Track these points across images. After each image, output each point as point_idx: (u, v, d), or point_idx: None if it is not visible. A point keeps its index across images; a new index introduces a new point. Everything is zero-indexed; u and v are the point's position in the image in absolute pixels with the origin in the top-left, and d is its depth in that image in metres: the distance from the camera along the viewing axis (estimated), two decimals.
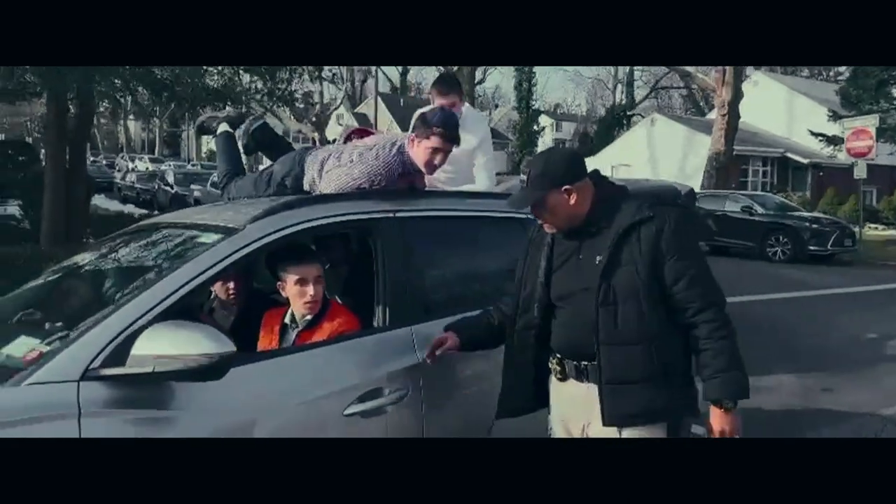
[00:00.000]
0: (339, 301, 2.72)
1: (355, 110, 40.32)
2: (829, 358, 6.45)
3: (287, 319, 2.53)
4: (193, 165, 33.07)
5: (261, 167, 3.20)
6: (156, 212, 17.49)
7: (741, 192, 18.44)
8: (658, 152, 27.40)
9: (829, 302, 9.89)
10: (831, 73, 38.57)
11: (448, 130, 2.66)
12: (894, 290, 10.88)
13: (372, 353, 2.37)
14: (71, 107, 9.52)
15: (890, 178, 26.65)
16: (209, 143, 50.84)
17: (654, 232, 2.04)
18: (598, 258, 2.07)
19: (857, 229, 15.79)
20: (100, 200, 18.18)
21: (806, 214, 16.49)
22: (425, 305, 2.54)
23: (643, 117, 34.44)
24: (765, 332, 7.26)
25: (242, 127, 3.13)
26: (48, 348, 1.92)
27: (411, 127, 2.73)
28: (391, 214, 2.54)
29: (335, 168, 2.73)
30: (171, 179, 23.33)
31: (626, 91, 42.63)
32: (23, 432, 1.68)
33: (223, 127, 3.18)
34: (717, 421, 2.02)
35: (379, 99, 35.35)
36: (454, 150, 2.77)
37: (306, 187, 2.87)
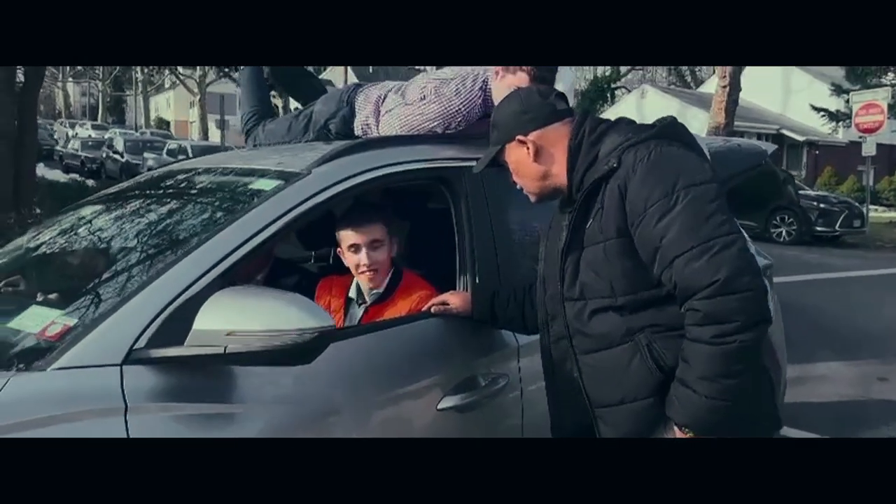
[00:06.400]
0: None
1: (320, 77, 39.41)
2: (876, 345, 6.29)
3: (352, 293, 2.18)
4: (142, 133, 31.99)
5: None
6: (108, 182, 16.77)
7: None
8: None
9: (854, 285, 9.80)
10: None
11: (541, 70, 2.27)
12: None
13: (460, 334, 2.05)
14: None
15: (889, 158, 26.98)
16: (157, 109, 49.48)
17: (617, 191, 1.52)
18: (562, 237, 1.64)
19: (864, 210, 15.84)
20: (39, 169, 17.28)
21: (812, 193, 16.53)
22: (521, 274, 2.20)
23: (629, 90, 34.25)
24: (800, 316, 7.09)
25: None
26: (74, 321, 1.54)
27: None
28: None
29: (400, 107, 2.37)
30: (119, 147, 22.46)
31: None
32: (53, 433, 1.32)
33: None
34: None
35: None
36: None
37: (358, 131, 2.50)
